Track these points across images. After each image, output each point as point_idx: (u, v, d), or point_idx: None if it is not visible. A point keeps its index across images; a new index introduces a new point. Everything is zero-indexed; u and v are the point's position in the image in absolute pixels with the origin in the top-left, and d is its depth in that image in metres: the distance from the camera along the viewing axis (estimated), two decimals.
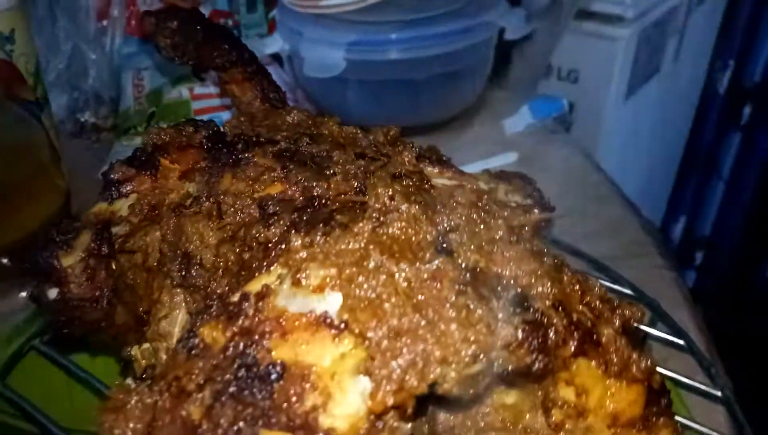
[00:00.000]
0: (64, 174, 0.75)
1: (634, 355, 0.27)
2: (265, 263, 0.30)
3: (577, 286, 0.29)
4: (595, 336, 0.27)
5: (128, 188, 0.38)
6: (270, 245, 0.32)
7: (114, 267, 0.38)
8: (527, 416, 0.29)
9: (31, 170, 0.72)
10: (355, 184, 0.35)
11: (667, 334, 0.50)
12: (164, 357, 0.36)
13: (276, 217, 0.33)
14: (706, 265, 1.77)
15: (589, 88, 1.23)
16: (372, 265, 0.26)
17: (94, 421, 0.46)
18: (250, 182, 0.37)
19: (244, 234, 0.34)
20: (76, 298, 0.35)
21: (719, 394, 0.45)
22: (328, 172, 0.37)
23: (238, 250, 0.36)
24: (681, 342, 0.50)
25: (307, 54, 0.81)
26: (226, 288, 0.33)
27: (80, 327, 0.37)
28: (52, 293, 0.35)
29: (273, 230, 0.32)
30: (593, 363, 0.27)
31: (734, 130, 1.65)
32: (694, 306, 0.64)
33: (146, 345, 0.39)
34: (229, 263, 0.36)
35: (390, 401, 0.23)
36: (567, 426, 0.27)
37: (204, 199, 0.38)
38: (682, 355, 0.50)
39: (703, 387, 0.45)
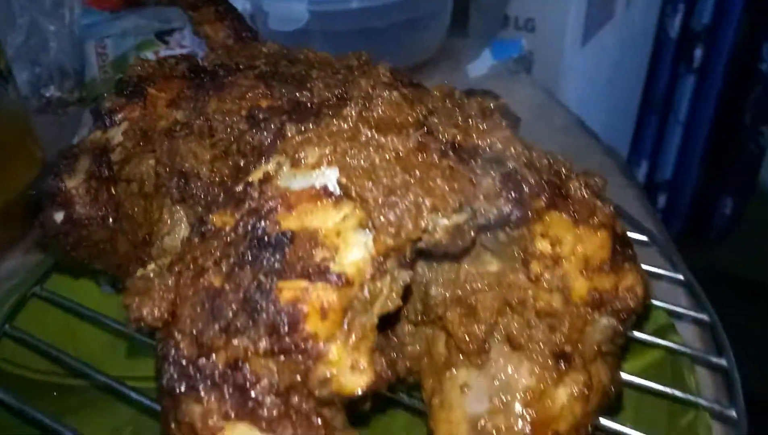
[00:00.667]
0: (40, 144, 0.76)
1: (599, 203, 0.31)
2: (262, 160, 0.32)
3: (545, 159, 0.33)
4: (563, 190, 0.30)
5: (120, 116, 0.40)
6: (264, 147, 0.34)
7: (114, 191, 0.39)
8: (510, 277, 0.32)
9: (7, 139, 0.72)
10: (337, 92, 0.38)
11: (630, 231, 0.54)
12: None
13: (266, 122, 0.35)
14: (669, 207, 1.84)
15: (546, 35, 1.26)
16: (363, 139, 0.29)
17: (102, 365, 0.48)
18: (237, 100, 0.39)
19: (236, 143, 0.36)
20: (82, 217, 0.37)
21: (681, 277, 0.49)
22: (309, 85, 0.39)
23: (231, 163, 0.38)
24: (644, 238, 0.54)
25: (271, 8, 0.83)
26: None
27: (86, 249, 0.39)
28: (59, 217, 0.37)
29: (265, 134, 0.35)
30: (564, 215, 0.30)
31: (688, 73, 1.70)
32: (657, 217, 0.68)
33: (151, 266, 0.41)
34: (225, 177, 0.38)
35: (390, 243, 0.26)
36: (545, 276, 0.31)
37: (193, 121, 0.40)
38: (646, 253, 0.55)
39: (665, 272, 0.50)
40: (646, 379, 0.41)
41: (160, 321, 0.28)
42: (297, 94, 0.37)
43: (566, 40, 1.26)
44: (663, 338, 0.46)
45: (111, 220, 0.37)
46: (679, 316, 0.47)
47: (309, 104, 0.36)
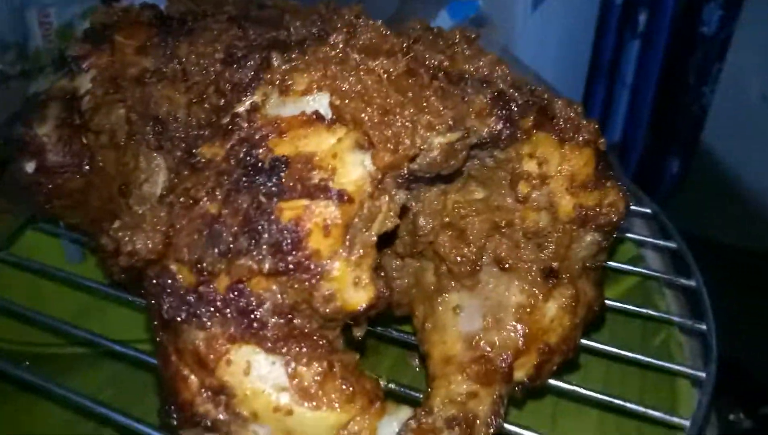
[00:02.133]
0: None
1: (584, 121, 0.32)
2: (246, 94, 0.32)
3: (526, 84, 0.33)
4: (548, 111, 0.31)
5: (87, 63, 0.38)
6: (245, 84, 0.34)
7: (85, 141, 0.38)
8: (497, 200, 0.33)
9: None
10: (314, 30, 0.37)
11: None
12: None
13: (244, 60, 0.34)
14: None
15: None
16: (352, 63, 0.29)
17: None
18: (210, 44, 0.38)
19: (215, 84, 0.36)
20: (56, 164, 0.36)
21: (649, 211, 0.52)
22: (284, 26, 0.38)
23: (208, 107, 0.37)
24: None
25: None
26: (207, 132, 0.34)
27: (60, 200, 0.38)
28: (30, 166, 0.36)
29: (245, 71, 0.34)
30: (550, 135, 0.31)
31: (633, 38, 1.74)
32: (616, 160, 0.71)
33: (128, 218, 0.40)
34: (201, 121, 0.38)
35: (389, 159, 0.26)
36: (533, 195, 0.32)
37: (164, 67, 0.39)
38: None
39: (634, 207, 0.52)
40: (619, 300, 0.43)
41: (154, 253, 0.28)
42: (274, 33, 0.37)
43: (518, 4, 1.28)
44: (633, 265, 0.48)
45: (87, 167, 0.36)
46: (650, 246, 0.50)
47: (288, 41, 0.35)
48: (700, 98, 1.79)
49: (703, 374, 0.37)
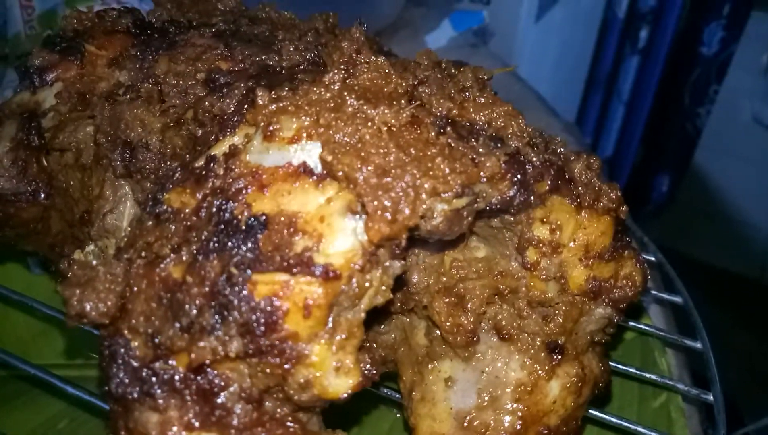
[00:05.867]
0: None
1: (605, 187, 0.28)
2: (226, 131, 0.28)
3: (539, 136, 0.30)
4: (566, 173, 0.28)
5: (52, 76, 0.34)
6: (227, 116, 0.30)
7: (45, 162, 0.34)
8: (501, 263, 0.30)
9: None
10: (309, 55, 0.34)
11: None
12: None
13: (228, 87, 0.31)
14: None
15: (501, 9, 1.25)
16: (349, 110, 0.25)
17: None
18: (191, 62, 0.35)
19: (194, 111, 0.32)
20: (9, 192, 0.32)
21: (653, 259, 0.49)
22: (276, 48, 0.35)
23: (185, 133, 0.33)
24: None
25: None
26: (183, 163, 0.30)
27: (14, 229, 0.34)
28: None
29: (227, 101, 0.30)
30: (567, 199, 0.28)
31: (633, 54, 1.72)
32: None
33: (90, 247, 0.36)
34: (177, 149, 0.34)
35: (386, 231, 0.23)
36: (542, 264, 0.28)
37: (140, 85, 0.35)
38: None
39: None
40: (618, 361, 0.40)
41: (106, 317, 0.24)
42: (263, 56, 0.33)
43: (521, 14, 1.25)
44: (634, 319, 0.45)
45: (43, 195, 0.32)
46: (652, 298, 0.47)
47: (278, 69, 0.31)
48: (694, 118, 1.78)
49: None
